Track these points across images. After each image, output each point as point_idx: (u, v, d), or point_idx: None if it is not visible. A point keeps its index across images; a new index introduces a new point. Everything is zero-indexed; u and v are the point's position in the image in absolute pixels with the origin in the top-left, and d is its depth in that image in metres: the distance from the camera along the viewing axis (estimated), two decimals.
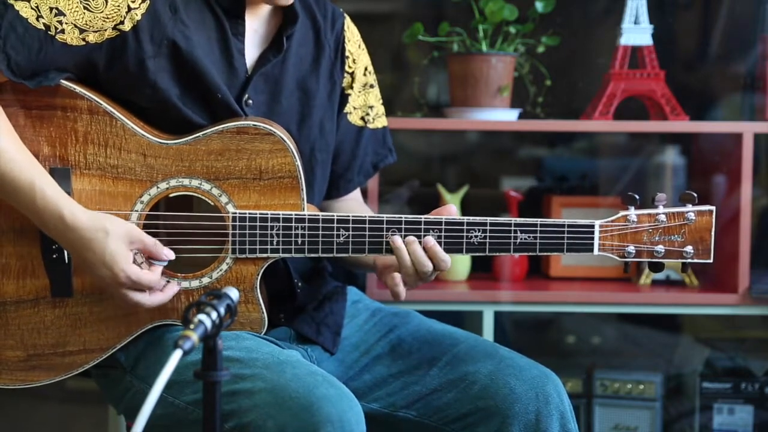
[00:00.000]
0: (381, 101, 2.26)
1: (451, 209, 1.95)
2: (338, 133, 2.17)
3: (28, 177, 1.83)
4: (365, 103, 2.21)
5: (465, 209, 2.90)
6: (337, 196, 2.23)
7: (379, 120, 2.25)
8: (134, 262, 1.86)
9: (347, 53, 2.15)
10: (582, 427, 2.94)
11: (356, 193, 2.28)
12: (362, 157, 2.22)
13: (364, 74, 2.20)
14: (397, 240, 1.92)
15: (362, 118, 2.21)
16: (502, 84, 2.77)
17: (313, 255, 1.93)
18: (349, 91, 2.17)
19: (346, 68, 2.15)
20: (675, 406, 3.02)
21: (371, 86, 2.22)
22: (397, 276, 1.94)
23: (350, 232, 1.92)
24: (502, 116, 2.79)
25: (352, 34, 2.18)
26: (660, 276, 2.85)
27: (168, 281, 1.91)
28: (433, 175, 3.19)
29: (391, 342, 2.09)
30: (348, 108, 2.18)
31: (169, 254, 1.89)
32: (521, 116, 2.85)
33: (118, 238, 1.84)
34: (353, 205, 2.25)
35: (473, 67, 2.77)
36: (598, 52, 3.12)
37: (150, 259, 1.88)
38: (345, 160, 2.20)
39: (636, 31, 2.83)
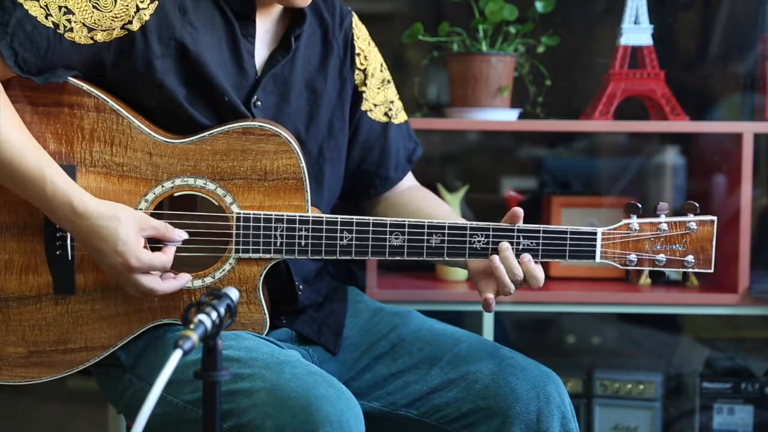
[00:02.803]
0: (398, 96, 2.26)
1: (517, 213, 1.94)
2: (362, 132, 2.17)
3: (38, 166, 1.83)
4: (386, 99, 2.21)
5: (465, 209, 2.90)
6: (376, 194, 2.23)
7: (401, 114, 2.25)
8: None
9: (357, 50, 2.15)
10: (582, 427, 2.94)
11: (410, 180, 2.29)
12: (395, 153, 2.22)
13: (381, 70, 2.20)
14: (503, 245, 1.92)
15: (386, 114, 2.21)
16: (502, 84, 2.77)
17: (316, 257, 1.93)
18: (363, 89, 2.17)
19: (357, 65, 2.15)
20: (675, 406, 3.02)
21: (388, 81, 2.23)
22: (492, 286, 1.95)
23: (353, 235, 1.92)
24: (502, 116, 2.79)
25: (361, 32, 2.18)
26: None
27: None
28: (433, 175, 3.19)
29: (392, 342, 2.09)
30: (367, 106, 2.18)
31: (181, 234, 1.89)
32: (521, 116, 2.85)
33: (129, 225, 1.84)
34: (415, 194, 2.26)
35: (473, 67, 2.77)
36: (598, 52, 3.12)
37: (163, 241, 1.88)
38: (375, 157, 2.20)
39: (636, 31, 2.83)
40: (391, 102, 2.22)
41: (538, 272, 1.92)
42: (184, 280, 1.90)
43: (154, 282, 1.87)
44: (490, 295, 1.94)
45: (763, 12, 2.94)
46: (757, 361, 2.98)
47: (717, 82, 3.18)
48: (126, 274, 1.85)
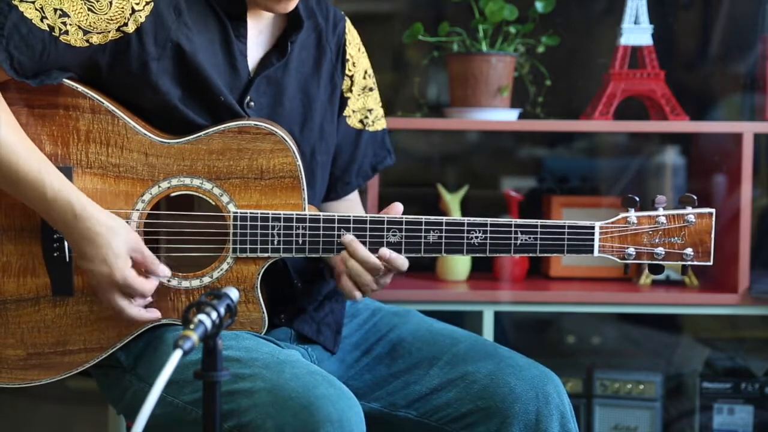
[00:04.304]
0: (380, 104, 2.26)
1: (396, 208, 1.95)
2: (337, 136, 2.17)
3: (36, 167, 1.83)
4: (364, 106, 2.21)
5: (465, 209, 2.90)
6: (336, 197, 2.23)
7: (378, 123, 2.25)
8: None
9: (347, 56, 2.15)
10: (582, 427, 2.94)
11: (354, 194, 2.29)
12: (361, 160, 2.22)
13: (364, 77, 2.20)
14: (348, 237, 1.93)
15: (361, 121, 2.21)
16: (502, 84, 2.77)
17: (313, 255, 1.93)
18: (348, 95, 2.17)
19: (346, 71, 2.15)
20: (675, 406, 3.02)
21: (370, 89, 2.22)
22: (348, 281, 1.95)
23: (351, 232, 1.92)
24: (502, 116, 2.79)
25: (352, 37, 2.18)
26: (660, 276, 2.84)
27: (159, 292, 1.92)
28: (433, 175, 3.19)
29: (391, 341, 2.09)
30: (347, 111, 2.18)
31: (165, 272, 1.90)
32: (521, 116, 2.85)
33: (123, 241, 1.84)
34: (350, 205, 2.25)
35: (473, 67, 2.77)
36: (598, 52, 3.12)
37: (146, 272, 1.89)
38: (343, 162, 2.20)
39: (636, 31, 2.83)
40: (369, 110, 2.22)
41: (401, 260, 1.93)
42: (153, 315, 1.91)
43: (124, 302, 1.87)
44: (358, 294, 1.94)
45: (763, 12, 2.94)
46: (757, 361, 2.97)
47: (717, 82, 3.18)
48: (105, 285, 1.85)
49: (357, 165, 2.22)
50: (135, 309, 1.88)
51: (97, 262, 1.84)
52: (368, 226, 1.93)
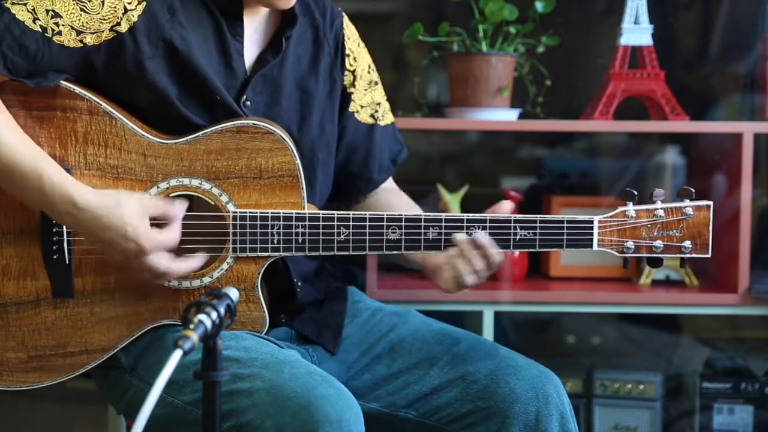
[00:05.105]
0: (385, 97, 2.26)
1: (504, 207, 1.96)
2: (348, 133, 2.17)
3: (35, 165, 1.83)
4: (373, 101, 2.20)
5: (465, 209, 2.90)
6: (359, 194, 2.23)
7: (387, 116, 2.25)
8: None
9: (347, 51, 2.15)
10: (582, 427, 2.94)
11: (389, 183, 2.29)
12: (379, 154, 2.22)
13: (368, 72, 2.20)
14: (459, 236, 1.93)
15: (372, 116, 2.20)
16: (502, 84, 2.77)
17: (313, 253, 1.94)
18: (352, 90, 2.17)
19: (347, 66, 2.15)
20: (675, 406, 3.02)
21: (376, 83, 2.22)
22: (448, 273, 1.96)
23: (351, 230, 1.92)
24: (502, 116, 2.80)
25: (351, 33, 2.18)
26: (660, 276, 2.85)
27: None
28: (433, 175, 3.19)
29: (391, 341, 2.09)
30: (354, 107, 2.18)
31: (180, 207, 1.88)
32: (521, 116, 2.85)
33: (133, 209, 1.83)
34: (390, 196, 2.25)
35: (473, 67, 2.77)
36: (598, 52, 3.12)
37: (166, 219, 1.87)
38: (360, 159, 2.20)
39: (636, 31, 2.83)
40: (378, 104, 2.22)
41: (496, 253, 1.94)
42: (198, 261, 1.90)
43: (168, 263, 1.86)
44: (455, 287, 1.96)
45: (763, 12, 2.94)
46: (757, 361, 2.97)
47: (717, 82, 3.18)
48: (140, 258, 1.84)
49: (376, 160, 2.22)
50: (176, 264, 1.87)
51: (119, 242, 1.83)
52: (368, 223, 1.93)
